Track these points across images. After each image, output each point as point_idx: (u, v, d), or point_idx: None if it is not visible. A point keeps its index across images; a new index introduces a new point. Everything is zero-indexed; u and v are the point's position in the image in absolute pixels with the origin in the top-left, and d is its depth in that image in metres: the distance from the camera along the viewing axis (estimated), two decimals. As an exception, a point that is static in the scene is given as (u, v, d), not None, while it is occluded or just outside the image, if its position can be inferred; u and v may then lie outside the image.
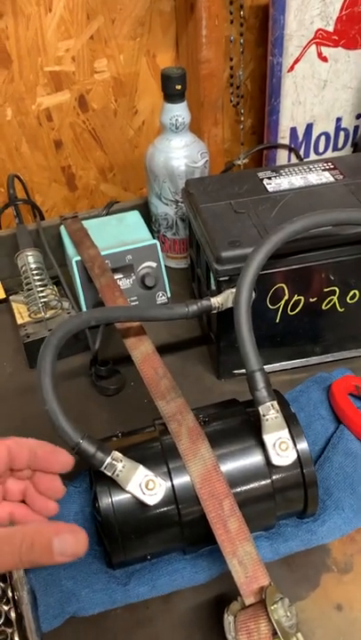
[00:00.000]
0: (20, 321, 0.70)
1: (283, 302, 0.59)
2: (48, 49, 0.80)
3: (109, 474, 0.41)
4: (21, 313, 0.72)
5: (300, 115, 0.83)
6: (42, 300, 0.68)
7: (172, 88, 0.67)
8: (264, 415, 0.44)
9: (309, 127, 0.84)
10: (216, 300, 0.53)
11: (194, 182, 0.65)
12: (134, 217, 0.78)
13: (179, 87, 0.67)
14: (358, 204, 0.59)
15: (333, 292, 0.60)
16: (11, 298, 0.75)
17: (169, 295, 0.74)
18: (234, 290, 0.55)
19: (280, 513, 0.46)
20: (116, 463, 0.41)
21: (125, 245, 0.71)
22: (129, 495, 0.42)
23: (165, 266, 0.79)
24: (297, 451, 0.44)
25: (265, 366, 0.64)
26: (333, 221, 0.51)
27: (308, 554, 0.49)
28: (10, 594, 0.46)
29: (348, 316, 0.62)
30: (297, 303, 0.60)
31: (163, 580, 0.45)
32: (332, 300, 0.60)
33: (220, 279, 0.55)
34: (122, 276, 0.71)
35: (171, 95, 0.68)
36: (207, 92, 0.82)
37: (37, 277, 0.70)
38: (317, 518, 0.49)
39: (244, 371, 0.62)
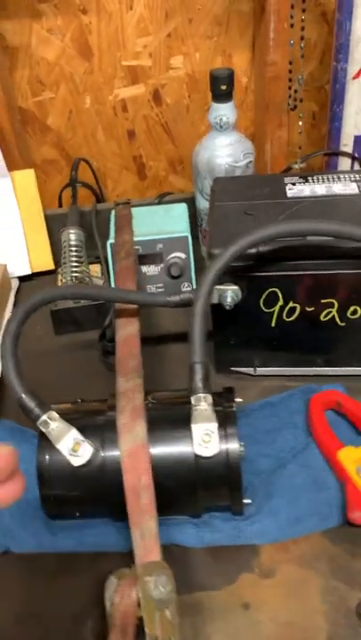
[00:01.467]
0: (57, 291, 0.77)
1: (278, 307, 0.60)
2: (127, 44, 0.85)
3: (43, 430, 0.46)
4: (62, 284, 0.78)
5: (366, 123, 0.80)
6: (73, 275, 0.75)
7: (218, 88, 0.69)
8: (194, 405, 0.46)
9: (376, 137, 0.81)
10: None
11: (221, 180, 0.67)
12: (180, 209, 0.82)
13: (224, 87, 0.69)
14: (371, 218, 0.57)
15: (332, 305, 0.59)
16: (58, 270, 0.83)
17: (194, 286, 0.76)
18: (219, 286, 0.57)
19: (206, 504, 0.48)
20: (50, 422, 0.46)
21: (158, 234, 0.75)
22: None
23: (204, 258, 0.82)
24: (227, 450, 0.46)
25: (262, 368, 0.65)
26: (311, 231, 0.51)
27: (237, 551, 0.50)
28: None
29: (351, 331, 0.61)
30: (293, 310, 0.60)
31: (88, 538, 0.50)
32: (331, 312, 0.59)
33: (210, 275, 0.57)
34: (151, 263, 0.75)
35: (217, 95, 0.70)
36: (272, 94, 0.83)
37: (74, 254, 0.76)
38: (248, 518, 0.49)
39: (240, 368, 0.65)
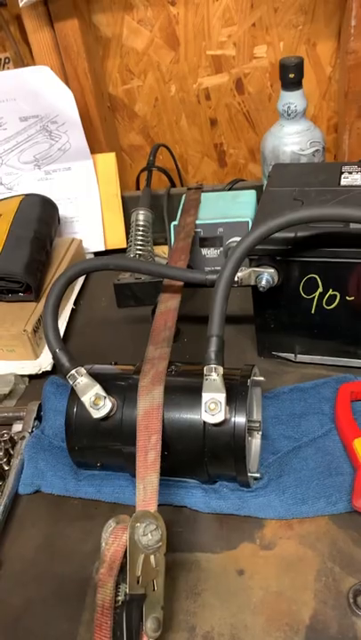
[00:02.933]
0: (124, 267, 0.82)
1: (317, 294, 0.60)
2: (212, 34, 0.88)
3: (71, 383, 0.51)
4: (129, 262, 0.84)
5: None
6: (137, 252, 0.79)
7: (287, 76, 0.70)
8: (206, 375, 0.48)
9: None
10: (236, 275, 0.57)
11: (279, 167, 0.68)
12: (248, 196, 0.83)
13: (292, 76, 0.70)
14: None
15: (373, 296, 0.58)
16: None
17: (251, 272, 0.78)
18: (256, 268, 0.59)
19: (215, 472, 0.51)
20: (77, 376, 0.51)
21: (220, 219, 0.77)
22: (91, 408, 0.51)
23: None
24: (234, 421, 0.48)
25: (303, 355, 0.66)
26: (342, 217, 0.51)
27: (243, 521, 0.52)
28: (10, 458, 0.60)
29: (394, 325, 0.60)
30: (333, 298, 0.60)
31: (107, 489, 0.54)
32: (373, 303, 0.59)
33: (250, 257, 0.59)
34: (211, 246, 0.78)
35: (285, 83, 0.71)
36: (352, 83, 0.81)
37: (140, 233, 0.81)
38: (254, 490, 0.51)
39: (281, 353, 0.66)
